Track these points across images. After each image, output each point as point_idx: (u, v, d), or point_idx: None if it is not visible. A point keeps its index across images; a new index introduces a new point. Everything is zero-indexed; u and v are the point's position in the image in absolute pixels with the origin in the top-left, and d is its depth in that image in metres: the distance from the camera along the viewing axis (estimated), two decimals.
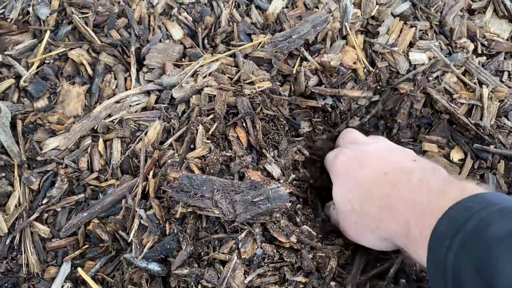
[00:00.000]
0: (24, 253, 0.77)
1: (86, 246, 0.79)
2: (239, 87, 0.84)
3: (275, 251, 0.70)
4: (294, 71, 0.87)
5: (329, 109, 0.87)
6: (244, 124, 0.79)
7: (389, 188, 0.63)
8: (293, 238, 0.70)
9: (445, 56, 0.90)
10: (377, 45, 0.91)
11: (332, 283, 0.69)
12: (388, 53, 0.90)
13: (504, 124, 0.86)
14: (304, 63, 0.87)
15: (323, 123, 0.91)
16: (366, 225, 0.67)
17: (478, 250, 0.44)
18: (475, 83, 0.89)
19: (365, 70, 0.89)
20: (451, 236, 0.47)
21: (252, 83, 0.85)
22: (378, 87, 0.88)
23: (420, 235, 0.54)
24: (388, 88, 0.89)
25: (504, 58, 0.95)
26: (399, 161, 0.69)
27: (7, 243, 0.77)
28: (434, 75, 0.90)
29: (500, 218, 0.45)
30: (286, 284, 0.68)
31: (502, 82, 0.91)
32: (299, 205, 0.78)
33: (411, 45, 0.92)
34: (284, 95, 0.86)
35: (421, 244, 0.54)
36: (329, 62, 0.86)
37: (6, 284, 0.76)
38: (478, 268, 0.43)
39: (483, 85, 0.88)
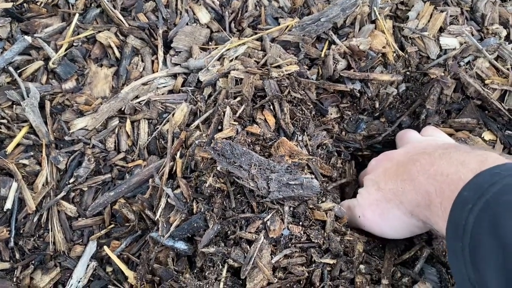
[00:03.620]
0: (51, 231, 0.78)
1: (112, 225, 0.79)
2: (266, 70, 0.83)
3: (302, 232, 0.69)
4: (323, 55, 0.86)
5: (357, 94, 0.86)
6: (271, 107, 0.79)
7: (412, 164, 0.63)
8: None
9: (477, 42, 0.88)
10: (406, 30, 0.89)
11: (362, 266, 0.68)
12: (418, 38, 0.89)
13: None
14: (333, 46, 0.86)
15: (351, 108, 0.89)
16: (390, 200, 0.65)
17: (498, 212, 0.43)
18: (508, 69, 0.87)
19: (394, 55, 0.87)
20: (475, 199, 0.46)
21: (279, 66, 0.84)
22: (408, 72, 0.86)
23: (441, 206, 0.54)
24: (418, 73, 0.87)
25: None
26: (426, 145, 0.69)
27: (34, 220, 0.78)
28: (466, 60, 0.88)
29: None
30: (314, 265, 0.67)
31: None
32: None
33: (441, 30, 0.91)
34: (312, 79, 0.85)
35: (441, 214, 0.53)
36: (358, 46, 0.84)
37: (33, 261, 0.76)
38: (494, 229, 0.42)
39: None
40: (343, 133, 0.91)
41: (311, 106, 0.84)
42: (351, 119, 0.91)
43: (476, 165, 0.51)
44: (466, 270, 0.45)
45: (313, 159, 0.77)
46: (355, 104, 0.89)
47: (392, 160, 0.71)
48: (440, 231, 0.56)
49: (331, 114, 0.89)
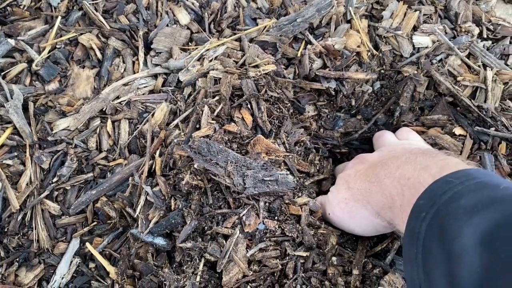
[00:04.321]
0: (35, 229, 0.80)
1: (95, 223, 0.81)
2: (244, 70, 0.85)
3: (277, 226, 0.71)
4: (299, 54, 0.89)
5: (333, 92, 0.88)
6: (249, 105, 0.81)
7: (381, 167, 0.65)
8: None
9: (450, 40, 0.90)
10: (381, 29, 0.91)
11: (334, 258, 0.70)
12: (392, 37, 0.91)
13: (509, 107, 0.86)
14: (309, 46, 0.89)
15: (328, 106, 0.92)
16: (358, 199, 0.68)
17: (445, 220, 0.45)
18: (479, 66, 0.89)
19: (369, 54, 0.90)
20: (428, 207, 0.48)
21: (257, 66, 0.87)
22: (382, 71, 0.89)
23: (401, 208, 0.56)
24: (392, 71, 0.90)
25: (510, 42, 0.95)
26: (398, 149, 0.72)
27: (18, 219, 0.80)
28: (438, 58, 0.90)
29: (473, 191, 0.46)
30: (287, 258, 0.69)
31: (507, 65, 0.91)
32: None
33: (415, 29, 0.93)
34: (289, 78, 0.87)
35: (402, 217, 0.55)
36: (333, 46, 0.87)
37: (17, 259, 0.78)
38: (442, 236, 0.44)
39: (488, 68, 0.88)
40: (321, 130, 0.93)
41: (289, 104, 0.86)
42: (329, 116, 0.93)
43: (437, 169, 0.53)
44: (418, 277, 0.47)
45: (290, 156, 0.79)
46: (331, 102, 0.91)
47: (364, 163, 0.74)
48: (401, 232, 0.59)
49: (308, 112, 0.91)
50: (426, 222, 0.47)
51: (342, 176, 0.75)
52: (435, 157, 0.58)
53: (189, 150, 0.71)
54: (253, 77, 0.83)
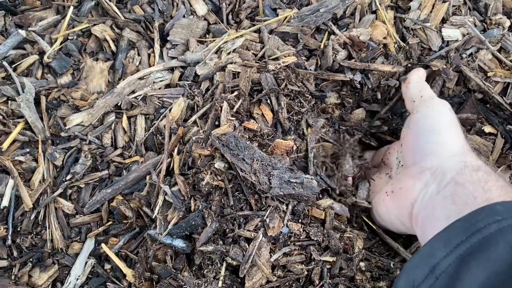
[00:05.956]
0: (48, 228, 0.77)
1: (110, 222, 0.78)
2: (264, 63, 0.81)
3: (301, 229, 0.68)
4: (322, 46, 0.85)
5: (358, 85, 0.84)
6: (268, 101, 0.77)
7: None
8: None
9: (480, 33, 0.86)
10: (408, 21, 0.87)
11: (362, 264, 0.67)
12: (419, 29, 0.87)
13: None
14: (332, 37, 0.85)
15: (352, 97, 0.87)
16: None
17: None
18: (511, 61, 0.85)
19: (396, 46, 0.86)
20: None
21: (277, 58, 0.83)
22: (409, 65, 0.85)
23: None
24: (419, 66, 0.85)
25: None
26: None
27: (31, 218, 0.77)
28: (468, 52, 0.86)
29: None
30: (313, 263, 0.66)
31: None
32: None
33: (443, 21, 0.88)
34: (310, 69, 0.83)
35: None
36: (358, 37, 0.83)
37: (31, 259, 0.76)
38: None
39: None
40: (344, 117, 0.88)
41: (310, 97, 0.82)
42: (352, 107, 0.88)
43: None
44: None
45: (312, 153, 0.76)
46: (356, 94, 0.87)
47: None
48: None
49: (330, 97, 0.85)
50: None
51: None
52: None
53: (217, 142, 0.68)
54: (273, 70, 0.79)
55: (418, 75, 0.77)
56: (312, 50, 0.86)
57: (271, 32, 0.87)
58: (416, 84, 0.75)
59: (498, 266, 0.44)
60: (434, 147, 0.65)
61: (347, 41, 0.83)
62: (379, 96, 0.86)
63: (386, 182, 0.76)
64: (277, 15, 0.89)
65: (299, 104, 0.80)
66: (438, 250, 0.48)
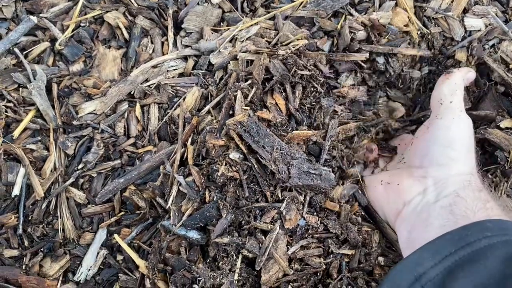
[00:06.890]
0: (60, 218, 0.76)
1: (122, 213, 0.77)
2: (275, 49, 0.79)
3: (318, 222, 0.67)
4: (339, 27, 0.82)
5: (382, 67, 0.80)
6: (281, 90, 0.75)
7: None
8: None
9: (503, 23, 0.83)
10: (429, 10, 0.84)
11: (381, 258, 0.65)
12: (441, 18, 0.84)
13: None
14: (350, 17, 0.82)
15: (370, 79, 0.84)
16: None
17: None
18: None
19: (419, 32, 0.83)
20: None
21: (289, 43, 0.80)
22: (431, 55, 0.82)
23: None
24: (441, 57, 0.83)
25: None
26: None
27: (43, 207, 0.76)
28: (490, 43, 0.83)
29: None
30: (331, 257, 0.65)
31: None
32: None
33: (465, 11, 0.86)
34: (322, 50, 0.80)
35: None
36: (378, 20, 0.80)
37: (42, 249, 0.75)
38: None
39: None
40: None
41: (323, 80, 0.78)
42: (370, 91, 0.85)
43: None
44: None
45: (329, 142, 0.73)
46: (375, 77, 0.84)
47: None
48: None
49: (346, 80, 0.83)
50: None
51: None
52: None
53: (239, 127, 0.66)
54: (282, 55, 0.76)
55: (464, 76, 0.73)
56: (328, 32, 0.83)
57: (286, 18, 0.85)
58: (453, 85, 0.70)
59: (486, 279, 0.46)
60: (445, 161, 0.65)
61: (366, 22, 0.80)
62: (399, 85, 0.83)
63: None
64: (293, 1, 0.87)
65: (312, 89, 0.77)
66: (426, 260, 0.50)
